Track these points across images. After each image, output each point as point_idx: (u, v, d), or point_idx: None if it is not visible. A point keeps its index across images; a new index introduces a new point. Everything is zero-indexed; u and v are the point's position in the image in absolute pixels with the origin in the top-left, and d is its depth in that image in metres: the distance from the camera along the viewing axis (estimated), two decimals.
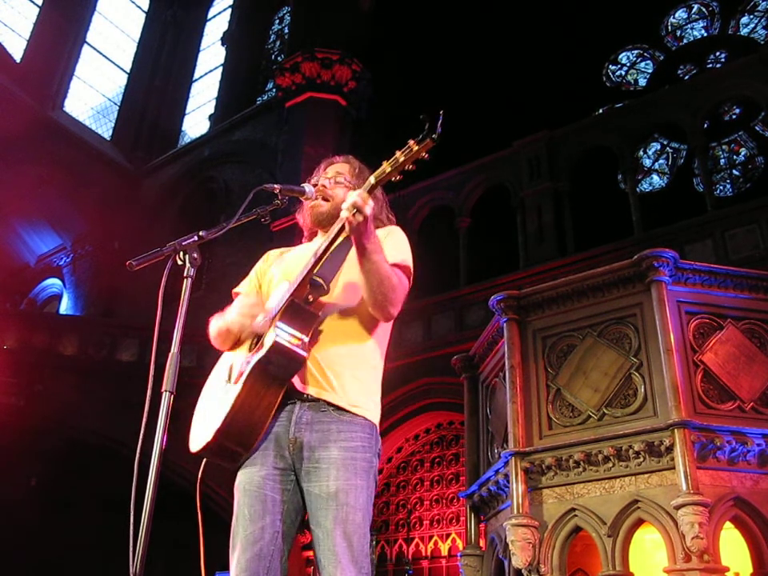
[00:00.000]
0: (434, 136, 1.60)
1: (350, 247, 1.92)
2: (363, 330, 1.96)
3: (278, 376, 1.81)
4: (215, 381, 1.99)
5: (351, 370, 1.90)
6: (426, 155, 1.63)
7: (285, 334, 1.80)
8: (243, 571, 1.78)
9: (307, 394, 1.86)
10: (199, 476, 1.94)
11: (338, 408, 1.86)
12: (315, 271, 1.88)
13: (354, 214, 1.72)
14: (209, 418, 1.85)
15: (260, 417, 1.81)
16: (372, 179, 1.74)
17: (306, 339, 1.82)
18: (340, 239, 1.89)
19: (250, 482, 1.85)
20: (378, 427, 1.93)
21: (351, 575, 1.72)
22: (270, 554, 1.79)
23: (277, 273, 2.11)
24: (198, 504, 1.95)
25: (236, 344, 2.02)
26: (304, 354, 1.81)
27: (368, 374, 1.95)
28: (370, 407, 1.91)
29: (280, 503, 1.84)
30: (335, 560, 1.73)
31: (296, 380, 1.85)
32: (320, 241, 2.05)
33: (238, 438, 1.81)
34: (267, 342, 1.80)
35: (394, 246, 2.00)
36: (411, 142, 1.63)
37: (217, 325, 2.02)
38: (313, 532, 1.80)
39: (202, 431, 1.86)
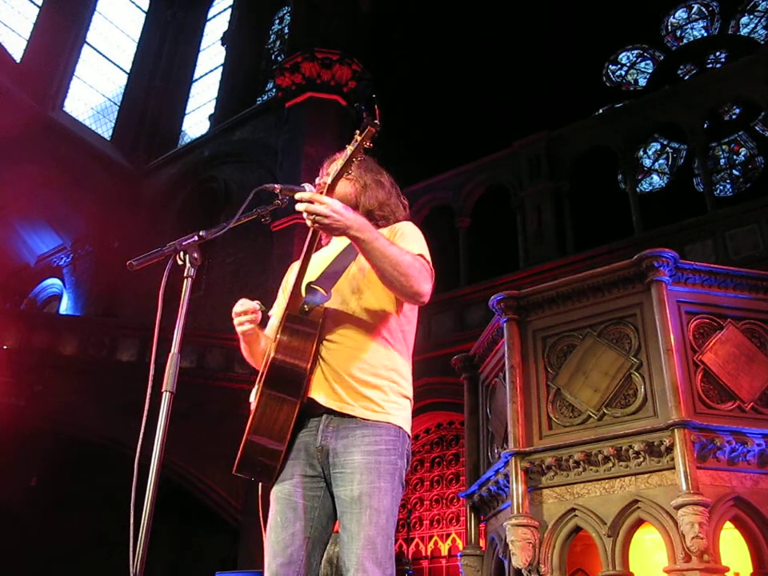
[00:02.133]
0: (375, 122, 1.67)
1: (353, 251, 1.92)
2: (379, 330, 1.93)
3: (286, 391, 1.82)
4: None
5: (370, 378, 1.89)
6: (371, 143, 1.72)
7: (282, 351, 1.81)
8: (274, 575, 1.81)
9: (330, 409, 1.87)
10: (259, 493, 1.96)
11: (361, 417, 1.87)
12: (305, 280, 1.88)
13: (314, 220, 1.73)
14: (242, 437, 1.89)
15: (279, 432, 1.82)
16: (329, 180, 1.78)
17: (309, 350, 1.83)
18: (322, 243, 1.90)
19: (281, 491, 1.88)
20: (404, 429, 1.92)
21: None
22: (301, 559, 1.83)
23: None
24: (262, 519, 1.94)
25: None
26: (304, 365, 1.81)
27: (388, 377, 1.92)
28: (393, 410, 1.90)
29: (311, 510, 1.87)
30: (357, 563, 1.74)
31: (317, 395, 1.86)
32: (337, 244, 2.05)
33: (263, 452, 1.83)
34: (268, 360, 1.82)
35: (404, 240, 1.97)
36: (356, 132, 1.71)
37: (244, 354, 2.04)
38: (339, 535, 1.83)
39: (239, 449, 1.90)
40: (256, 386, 1.93)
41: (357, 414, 1.85)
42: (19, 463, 9.14)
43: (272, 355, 1.80)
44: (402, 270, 1.80)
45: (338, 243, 2.05)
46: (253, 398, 1.92)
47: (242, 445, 1.83)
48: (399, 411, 1.92)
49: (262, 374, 1.86)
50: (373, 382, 1.89)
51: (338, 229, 1.75)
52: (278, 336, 1.82)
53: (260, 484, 1.95)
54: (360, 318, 1.93)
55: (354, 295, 1.95)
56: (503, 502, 4.37)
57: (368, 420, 1.85)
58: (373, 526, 1.77)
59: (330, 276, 1.94)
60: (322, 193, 1.81)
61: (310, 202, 1.73)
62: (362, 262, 1.89)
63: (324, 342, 1.89)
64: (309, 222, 1.75)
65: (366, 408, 1.86)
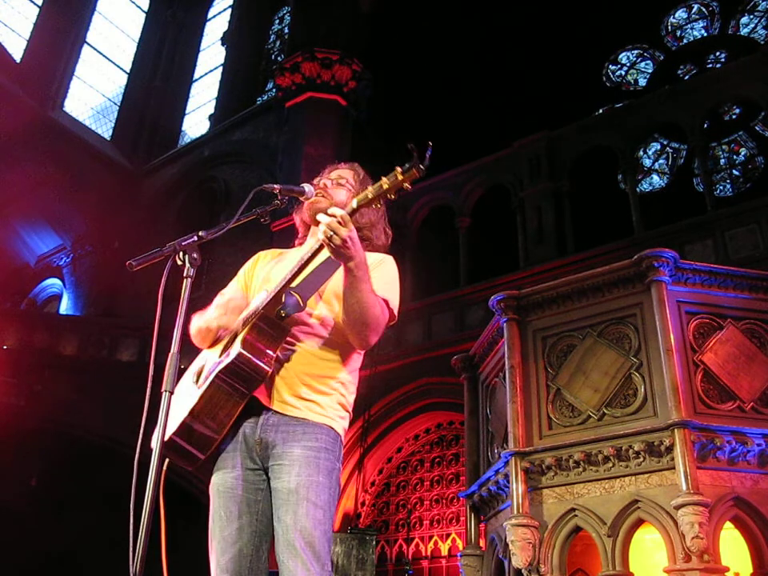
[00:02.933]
0: (420, 167, 1.61)
1: (337, 265, 1.91)
2: (337, 347, 1.96)
3: (239, 388, 1.81)
4: (188, 376, 1.99)
5: (319, 386, 1.91)
6: (410, 186, 1.64)
7: (249, 348, 1.79)
8: (224, 572, 1.80)
9: (273, 410, 1.87)
10: (163, 468, 1.92)
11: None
12: (290, 286, 1.88)
13: (330, 237, 1.70)
14: (173, 417, 1.83)
15: (219, 424, 1.81)
16: (354, 203, 1.74)
17: (273, 354, 1.83)
18: (319, 257, 1.90)
19: (223, 484, 1.87)
20: (341, 437, 1.94)
21: (314, 570, 1.71)
22: (250, 553, 1.81)
23: (260, 278, 2.10)
24: (162, 499, 1.92)
25: (215, 342, 2.03)
26: (267, 369, 1.81)
27: (336, 389, 1.95)
28: (335, 416, 1.92)
29: (255, 503, 1.85)
30: (294, 554, 1.72)
31: (262, 394, 1.86)
32: (309, 246, 2.05)
33: (195, 442, 1.82)
34: (233, 353, 1.80)
35: (382, 279, 1.98)
36: (398, 169, 1.63)
37: (196, 324, 2.03)
38: (274, 528, 1.80)
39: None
40: (198, 369, 1.92)
41: (298, 415, 1.86)
42: (19, 463, 9.14)
43: (239, 350, 1.79)
44: (366, 320, 1.83)
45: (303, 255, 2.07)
46: (190, 376, 1.91)
47: (173, 431, 1.79)
48: (340, 420, 1.94)
49: (224, 365, 1.82)
50: (321, 389, 1.91)
51: (344, 256, 1.73)
52: (246, 332, 1.82)
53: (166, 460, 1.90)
54: (324, 330, 1.95)
55: (324, 308, 1.97)
56: (503, 502, 4.37)
57: (308, 420, 1.86)
58: (310, 519, 1.75)
59: (310, 285, 1.94)
60: (325, 193, 1.81)
61: (341, 220, 1.69)
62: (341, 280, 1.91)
63: (285, 346, 1.90)
64: (322, 236, 1.72)
65: (309, 410, 1.87)
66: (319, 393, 1.90)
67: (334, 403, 1.93)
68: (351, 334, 1.89)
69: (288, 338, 1.90)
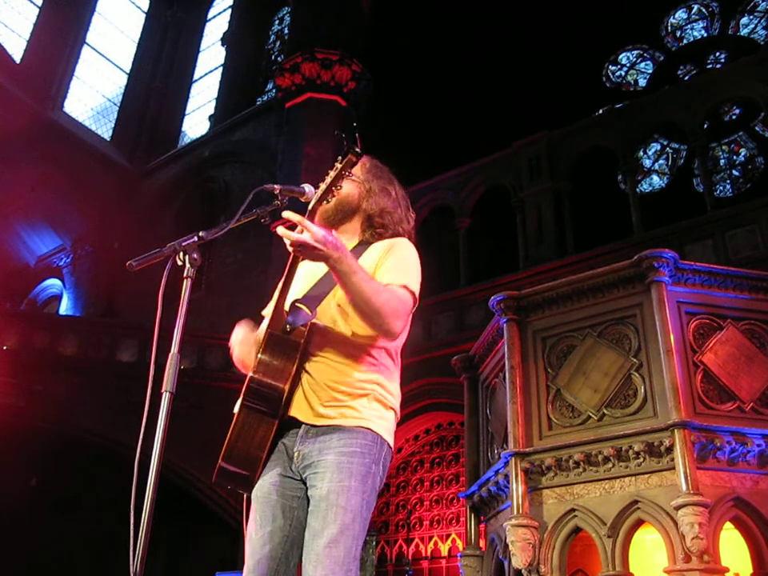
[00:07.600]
0: (356, 150, 1.71)
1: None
2: (365, 347, 1.93)
3: (264, 410, 1.81)
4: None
5: (351, 390, 1.88)
6: (350, 173, 1.77)
7: (262, 370, 1.80)
8: (251, 572, 1.80)
9: (308, 424, 1.87)
10: (244, 497, 1.95)
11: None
12: (286, 300, 1.88)
13: (293, 246, 1.74)
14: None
15: (257, 446, 1.83)
16: (310, 205, 1.82)
17: (290, 369, 1.83)
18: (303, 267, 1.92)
19: (261, 489, 1.88)
20: (383, 438, 1.90)
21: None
22: (279, 557, 1.81)
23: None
24: (244, 523, 1.94)
25: None
26: (282, 386, 1.81)
27: (372, 390, 1.91)
28: (373, 418, 1.89)
29: (290, 509, 1.86)
30: (317, 561, 1.72)
31: (297, 412, 1.86)
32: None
33: (241, 466, 1.84)
34: (246, 380, 1.82)
35: (392, 265, 1.95)
36: (338, 160, 1.75)
37: (234, 357, 2.03)
38: (304, 537, 1.81)
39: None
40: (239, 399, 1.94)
41: (333, 423, 1.85)
42: (19, 463, 9.14)
43: (250, 374, 1.81)
44: (374, 308, 1.80)
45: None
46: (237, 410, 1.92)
47: (216, 468, 1.85)
48: (379, 420, 1.90)
49: (244, 392, 1.85)
50: (353, 392, 1.88)
51: (318, 258, 1.76)
52: (259, 355, 1.83)
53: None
54: (347, 335, 1.92)
55: (341, 313, 1.94)
56: (503, 503, 4.37)
57: (344, 426, 1.85)
58: (338, 525, 1.74)
59: (317, 294, 1.94)
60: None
61: (295, 226, 1.73)
62: None
63: (309, 357, 1.89)
64: (289, 248, 1.76)
65: (344, 416, 1.86)
66: (353, 396, 1.87)
67: (370, 404, 1.89)
68: (371, 328, 1.86)
69: (314, 350, 1.89)
